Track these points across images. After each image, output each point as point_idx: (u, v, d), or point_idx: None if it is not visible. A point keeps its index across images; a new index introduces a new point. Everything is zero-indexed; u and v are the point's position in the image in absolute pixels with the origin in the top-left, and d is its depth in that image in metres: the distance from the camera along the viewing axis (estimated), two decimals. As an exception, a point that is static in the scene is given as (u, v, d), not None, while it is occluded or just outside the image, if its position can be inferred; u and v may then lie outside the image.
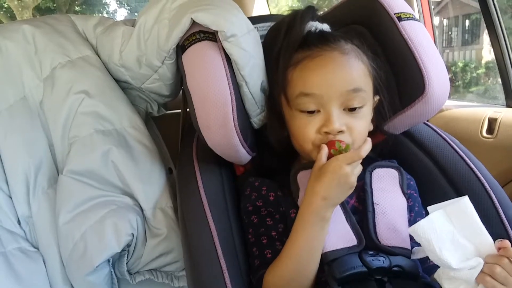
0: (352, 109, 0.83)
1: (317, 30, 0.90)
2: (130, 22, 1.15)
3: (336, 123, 0.81)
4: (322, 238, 0.77)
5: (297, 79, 0.85)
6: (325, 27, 0.92)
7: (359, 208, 0.87)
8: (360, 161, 0.77)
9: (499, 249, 0.71)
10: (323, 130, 0.81)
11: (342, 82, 0.82)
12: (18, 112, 1.09)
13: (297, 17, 0.89)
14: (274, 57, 0.89)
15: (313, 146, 0.83)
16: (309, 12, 0.90)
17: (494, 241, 0.72)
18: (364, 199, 0.86)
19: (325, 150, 0.77)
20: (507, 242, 0.71)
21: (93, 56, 1.14)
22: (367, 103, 0.86)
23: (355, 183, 0.75)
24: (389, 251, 0.80)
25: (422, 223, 0.70)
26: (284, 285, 0.77)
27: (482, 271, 0.69)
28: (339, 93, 0.82)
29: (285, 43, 0.87)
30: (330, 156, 0.77)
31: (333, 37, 0.87)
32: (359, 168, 0.77)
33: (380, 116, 0.94)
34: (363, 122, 0.85)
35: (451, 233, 0.71)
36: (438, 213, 0.72)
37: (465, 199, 0.72)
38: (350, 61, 0.85)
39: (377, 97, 0.91)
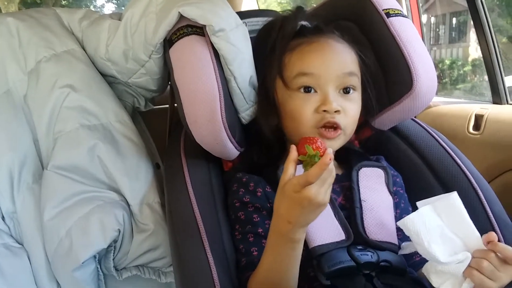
0: (347, 92, 0.86)
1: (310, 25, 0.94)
2: (117, 15, 1.13)
3: (334, 103, 0.83)
4: (294, 256, 0.72)
5: (295, 61, 0.87)
6: None
7: (346, 206, 0.87)
8: (331, 175, 0.67)
9: (487, 243, 0.71)
10: (322, 109, 0.83)
11: (339, 65, 0.86)
12: (1, 106, 1.07)
13: (290, 14, 0.93)
14: (270, 46, 0.91)
15: (310, 129, 0.84)
16: (299, 12, 0.94)
17: (482, 236, 0.72)
18: (351, 197, 0.87)
19: (292, 155, 0.69)
20: (493, 234, 0.71)
21: (78, 50, 1.13)
22: (358, 90, 0.89)
23: (326, 200, 0.67)
24: (377, 246, 0.81)
25: (412, 217, 0.71)
26: None
27: (469, 266, 0.70)
28: (336, 75, 0.85)
29: (281, 33, 0.90)
30: (299, 162, 0.70)
31: (327, 29, 0.92)
32: (330, 180, 0.67)
33: (368, 112, 0.95)
34: (355, 107, 0.88)
35: (440, 227, 0.72)
36: (427, 207, 0.72)
37: (454, 194, 0.73)
38: (344, 48, 0.89)
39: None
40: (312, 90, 0.85)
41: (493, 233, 0.72)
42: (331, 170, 0.67)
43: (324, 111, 0.83)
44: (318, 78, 0.85)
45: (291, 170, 0.68)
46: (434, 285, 0.71)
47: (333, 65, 0.86)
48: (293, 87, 0.86)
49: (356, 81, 0.88)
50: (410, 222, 0.70)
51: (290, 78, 0.87)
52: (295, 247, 0.71)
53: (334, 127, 0.84)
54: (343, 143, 0.89)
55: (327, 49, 0.88)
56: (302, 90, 0.86)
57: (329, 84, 0.85)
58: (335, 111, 0.83)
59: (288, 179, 0.67)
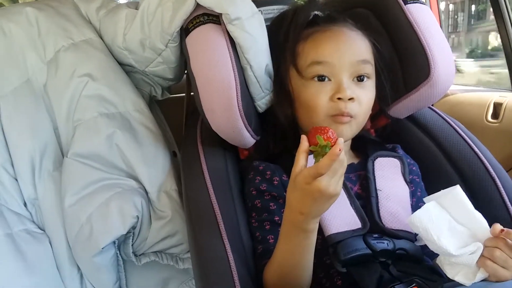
0: (361, 79, 0.86)
1: (323, 14, 0.93)
2: (134, 4, 1.14)
3: (348, 90, 0.83)
4: (308, 246, 0.72)
5: (308, 50, 0.87)
6: None
7: (362, 195, 0.87)
8: (342, 165, 0.66)
9: (499, 232, 0.70)
10: (336, 97, 0.83)
11: (353, 52, 0.86)
12: (22, 95, 1.09)
13: (303, 4, 0.94)
14: (283, 35, 0.91)
15: (324, 117, 0.84)
16: (312, 2, 0.94)
17: (490, 226, 0.72)
18: (367, 186, 0.87)
19: (303, 146, 0.69)
20: (498, 225, 0.70)
21: (96, 39, 1.14)
22: (372, 78, 0.89)
23: (337, 191, 0.66)
24: (393, 234, 0.81)
25: (418, 214, 0.70)
26: (280, 279, 0.76)
27: (482, 255, 0.70)
28: (350, 63, 0.85)
29: (294, 23, 0.90)
30: (310, 152, 0.69)
31: (340, 17, 0.92)
32: (341, 171, 0.67)
33: (382, 100, 0.95)
34: (369, 94, 0.88)
35: (448, 220, 0.71)
36: (432, 203, 0.72)
37: (457, 188, 0.73)
38: (358, 36, 0.89)
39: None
40: (326, 79, 0.85)
41: (498, 224, 0.71)
42: (342, 161, 0.66)
43: (339, 98, 0.83)
44: (332, 67, 0.85)
45: (302, 161, 0.68)
46: (448, 275, 0.71)
47: (347, 53, 0.85)
48: (307, 76, 0.87)
49: (369, 69, 0.88)
50: (417, 219, 0.70)
51: (304, 67, 0.87)
52: (308, 236, 0.71)
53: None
54: (356, 131, 0.89)
55: (341, 37, 0.87)
56: (316, 79, 0.86)
57: (343, 72, 0.85)
58: (349, 99, 0.83)
59: (299, 170, 0.67)
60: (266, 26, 0.96)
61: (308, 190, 0.66)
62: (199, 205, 0.89)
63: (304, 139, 0.69)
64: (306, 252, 0.73)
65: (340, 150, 0.64)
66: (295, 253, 0.73)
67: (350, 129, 0.86)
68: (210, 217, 0.86)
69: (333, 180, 0.66)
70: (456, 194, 0.72)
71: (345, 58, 0.85)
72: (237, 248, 0.83)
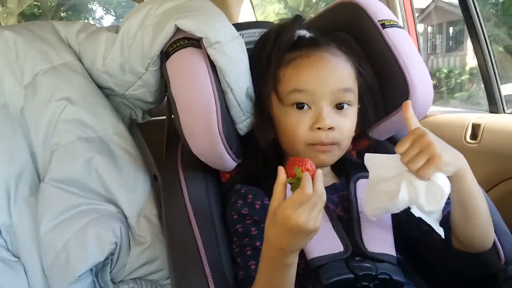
0: (341, 107, 0.85)
1: (308, 36, 0.93)
2: (114, 28, 1.14)
3: (328, 119, 0.83)
4: (288, 278, 0.71)
5: (290, 76, 0.87)
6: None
7: (344, 217, 0.87)
8: (320, 199, 0.66)
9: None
10: (316, 126, 0.83)
11: (334, 80, 0.85)
12: (-2, 119, 1.07)
13: (287, 24, 0.93)
14: (265, 58, 0.91)
15: (304, 145, 0.84)
16: (297, 21, 0.93)
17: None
18: (349, 208, 0.86)
19: (281, 178, 0.68)
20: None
21: (75, 63, 1.13)
22: (354, 105, 0.88)
23: (317, 226, 0.66)
24: (376, 258, 0.80)
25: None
26: None
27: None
28: (331, 91, 0.84)
29: (277, 45, 0.90)
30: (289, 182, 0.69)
31: (323, 41, 0.91)
32: (320, 205, 0.67)
33: (365, 122, 0.95)
34: (350, 121, 0.87)
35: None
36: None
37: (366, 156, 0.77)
38: (341, 62, 0.88)
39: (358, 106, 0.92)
40: (306, 106, 0.85)
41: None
42: (322, 195, 0.66)
43: (318, 128, 0.83)
44: (312, 95, 0.84)
45: (279, 194, 0.67)
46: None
47: (329, 81, 0.85)
48: (287, 102, 0.86)
49: (351, 97, 0.87)
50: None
51: (285, 94, 0.86)
52: (288, 270, 0.71)
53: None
54: (339, 156, 0.88)
55: (323, 64, 0.87)
56: (295, 106, 0.85)
57: (323, 100, 0.84)
58: (329, 128, 0.83)
59: (278, 204, 0.66)
60: (249, 48, 0.97)
61: (286, 225, 0.65)
62: (179, 230, 0.88)
63: (281, 171, 0.68)
64: (287, 284, 0.72)
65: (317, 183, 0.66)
66: (276, 285, 0.71)
67: (332, 156, 0.86)
68: (190, 242, 0.85)
69: (313, 215, 0.65)
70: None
71: (327, 86, 0.84)
72: (217, 273, 0.82)
